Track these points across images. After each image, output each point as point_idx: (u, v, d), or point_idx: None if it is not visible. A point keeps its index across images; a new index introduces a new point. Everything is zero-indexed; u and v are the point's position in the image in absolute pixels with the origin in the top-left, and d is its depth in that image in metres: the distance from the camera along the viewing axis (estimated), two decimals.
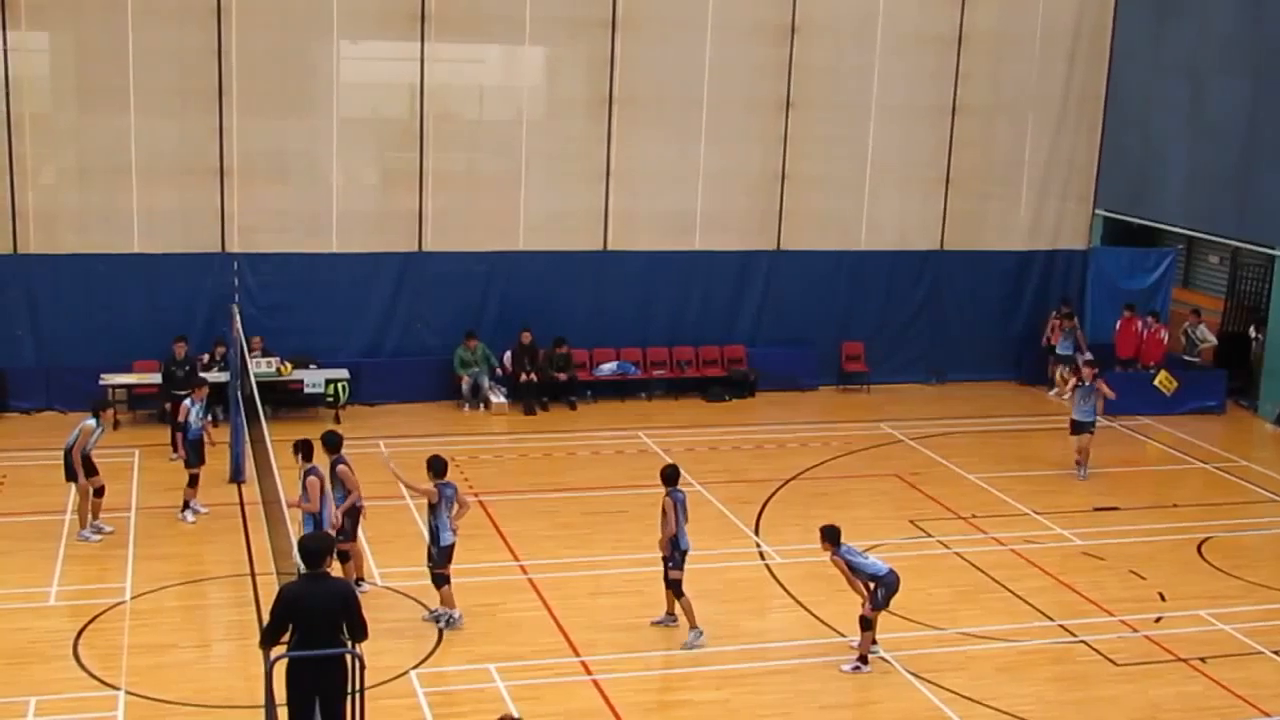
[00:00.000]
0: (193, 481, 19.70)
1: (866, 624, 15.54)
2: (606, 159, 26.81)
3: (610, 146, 26.78)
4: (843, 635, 16.25)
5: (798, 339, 28.13)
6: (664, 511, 16.02)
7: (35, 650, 15.49)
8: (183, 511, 19.59)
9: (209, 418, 20.50)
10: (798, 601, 17.47)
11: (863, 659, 15.60)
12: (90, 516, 18.98)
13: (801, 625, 16.84)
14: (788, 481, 22.31)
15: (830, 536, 15.58)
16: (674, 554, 16.06)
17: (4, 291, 24.64)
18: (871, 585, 15.49)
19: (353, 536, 16.93)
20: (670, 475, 16.26)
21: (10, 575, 17.61)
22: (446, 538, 16.23)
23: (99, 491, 18.96)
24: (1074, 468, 22.89)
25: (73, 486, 19.10)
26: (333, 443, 16.72)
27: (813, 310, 28.12)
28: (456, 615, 16.36)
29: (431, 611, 16.53)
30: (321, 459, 16.67)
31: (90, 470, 18.88)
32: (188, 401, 19.91)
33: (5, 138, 24.36)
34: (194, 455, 19.72)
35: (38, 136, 24.74)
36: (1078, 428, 22.86)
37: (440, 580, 16.31)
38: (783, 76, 27.26)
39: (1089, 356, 25.50)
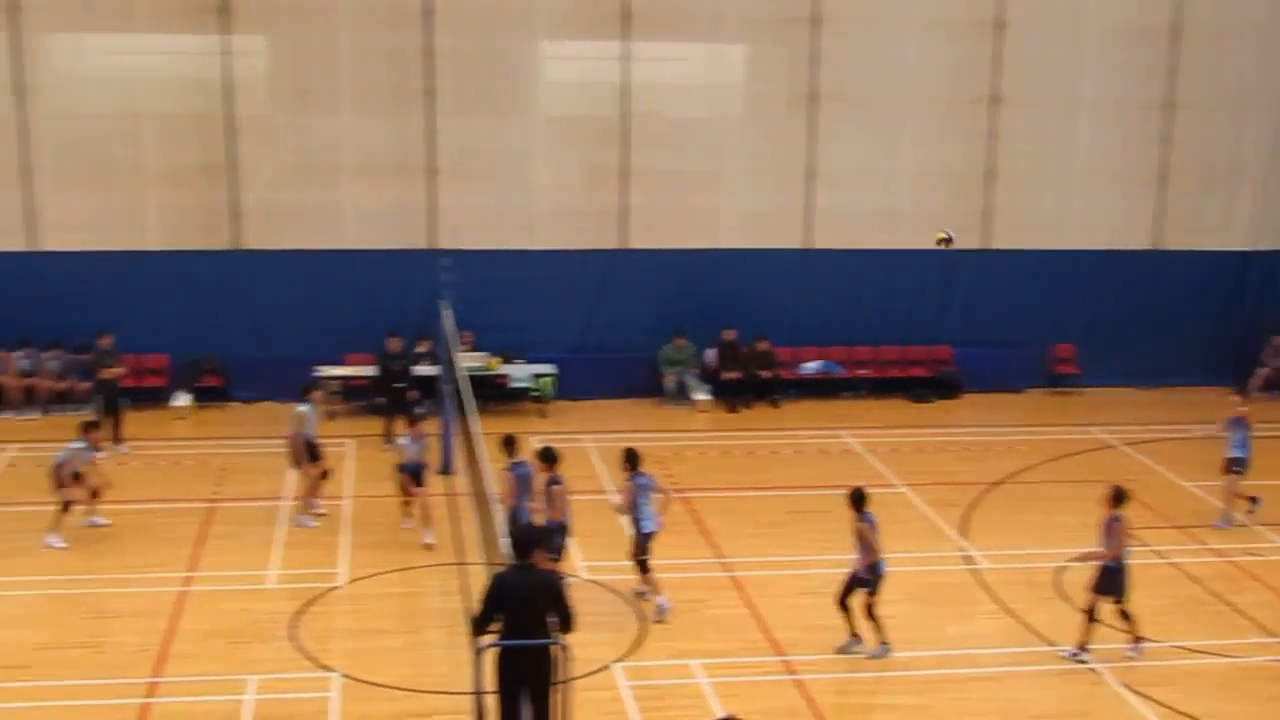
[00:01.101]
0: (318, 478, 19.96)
1: None
2: (808, 156, 26.68)
3: (811, 144, 26.63)
4: (1053, 644, 15.89)
5: (1005, 340, 27.61)
6: (860, 537, 15.30)
7: (255, 630, 16.00)
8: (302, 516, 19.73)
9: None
10: (1005, 608, 17.12)
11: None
12: (309, 499, 19.57)
13: (1009, 632, 16.47)
14: (995, 485, 21.92)
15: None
16: (870, 579, 15.37)
17: (226, 286, 25.54)
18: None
19: (559, 556, 16.40)
20: (859, 498, 15.49)
21: (232, 558, 18.26)
22: (646, 525, 16.52)
23: (324, 475, 19.58)
24: None
25: (295, 473, 19.73)
26: (550, 458, 16.48)
27: (1020, 310, 27.59)
28: (664, 603, 16.47)
29: (640, 593, 16.78)
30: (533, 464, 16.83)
31: (314, 455, 19.46)
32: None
33: (227, 139, 25.26)
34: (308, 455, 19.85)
35: (256, 137, 25.61)
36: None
37: (642, 567, 16.61)
38: (987, 72, 26.82)
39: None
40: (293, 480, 20.42)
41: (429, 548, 18.42)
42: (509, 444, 17.04)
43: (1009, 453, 23.68)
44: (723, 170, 26.72)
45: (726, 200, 26.80)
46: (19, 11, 24.62)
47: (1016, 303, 27.57)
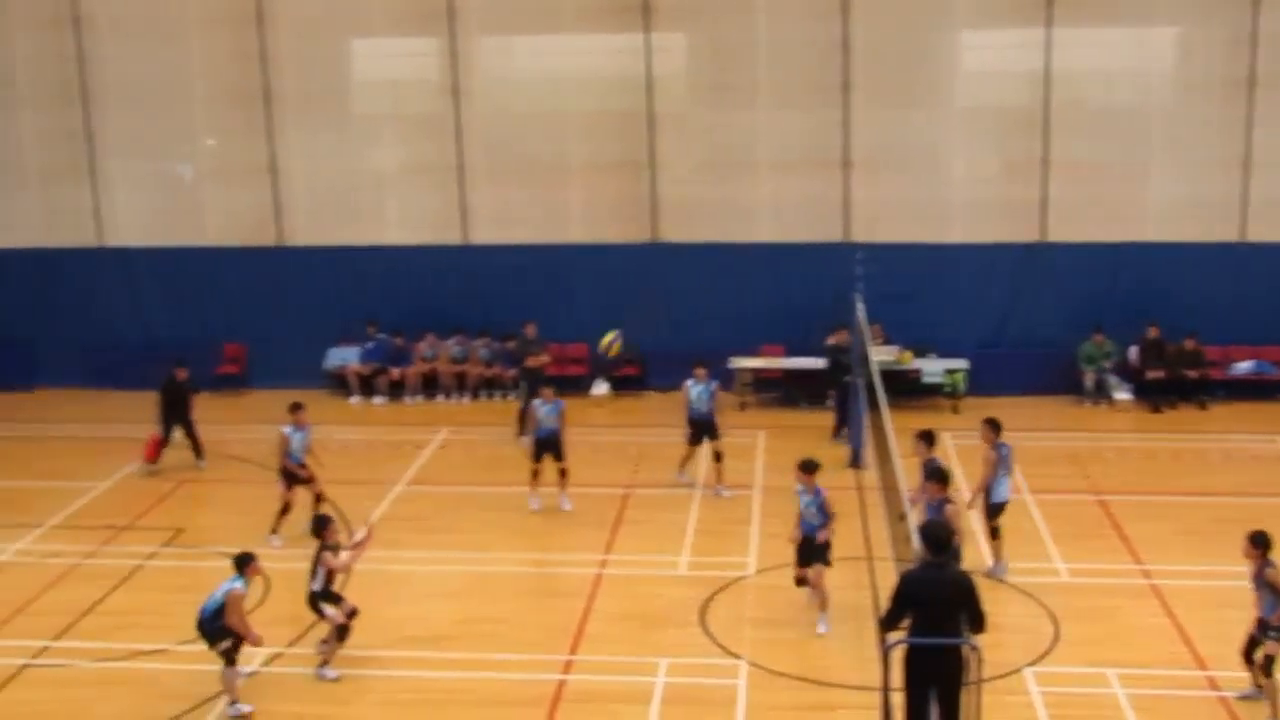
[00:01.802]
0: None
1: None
2: (1245, 144, 25.26)
3: (1248, 131, 25.20)
4: None
5: None
6: (1272, 584, 13.62)
7: (667, 615, 16.36)
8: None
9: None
10: None
11: None
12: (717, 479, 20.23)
13: None
14: None
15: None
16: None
17: (644, 278, 26.25)
18: None
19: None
20: (1262, 541, 13.70)
21: (646, 543, 18.75)
22: (999, 494, 17.06)
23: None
24: None
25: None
26: (940, 477, 15.65)
27: None
28: (999, 568, 16.90)
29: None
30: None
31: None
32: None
33: (649, 133, 25.96)
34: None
35: (674, 132, 26.21)
36: None
37: (993, 532, 16.98)
38: None
39: None
40: (706, 465, 20.80)
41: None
42: (927, 438, 16.78)
43: None
44: (1149, 160, 25.61)
45: (1153, 191, 25.66)
46: (455, 17, 25.98)
47: None
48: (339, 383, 26.63)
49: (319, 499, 19.02)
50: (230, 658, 14.19)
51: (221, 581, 14.33)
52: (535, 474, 20.00)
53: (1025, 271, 25.86)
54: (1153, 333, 25.11)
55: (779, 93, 25.81)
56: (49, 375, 27.32)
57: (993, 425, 17.25)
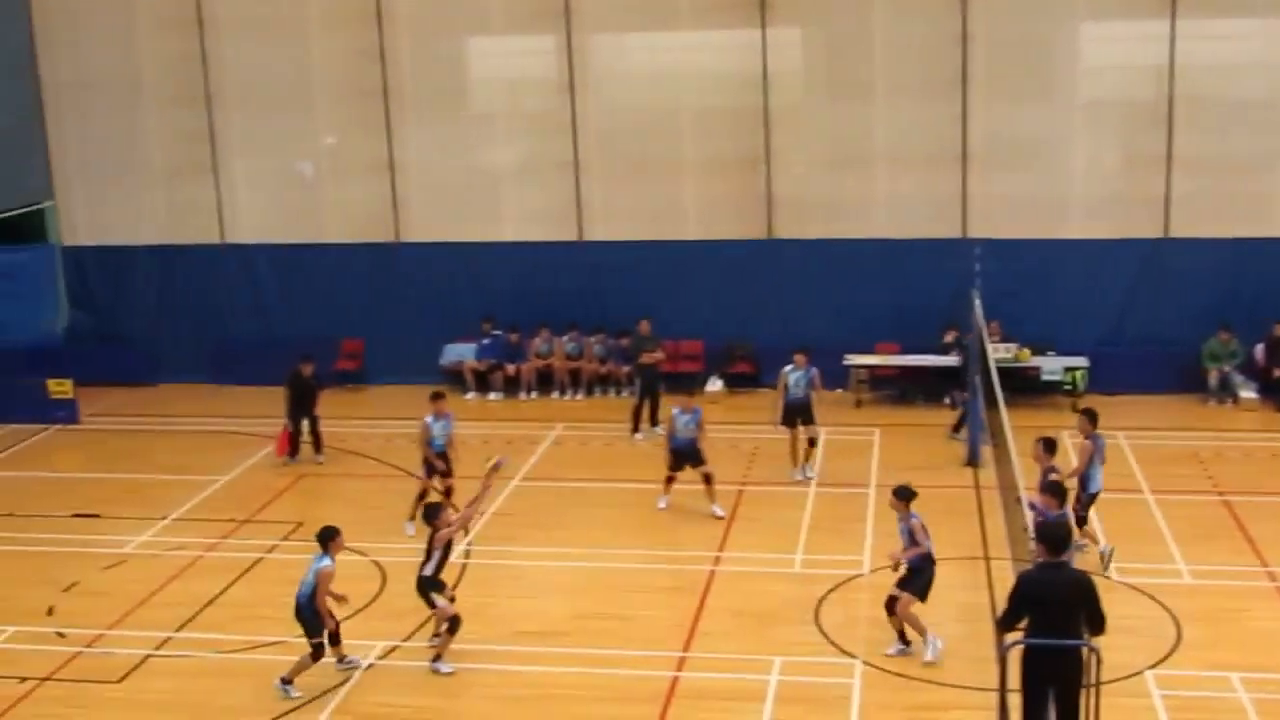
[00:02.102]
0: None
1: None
2: None
3: None
4: None
5: None
6: None
7: (782, 613, 16.33)
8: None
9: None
10: None
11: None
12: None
13: None
14: None
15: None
16: None
17: (758, 274, 26.21)
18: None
19: None
20: None
21: (760, 540, 18.72)
22: (1093, 485, 17.25)
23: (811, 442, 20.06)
24: None
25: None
26: (1056, 491, 15.42)
27: None
28: (1106, 549, 17.07)
29: (1080, 545, 16.71)
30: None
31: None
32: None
33: (764, 129, 25.88)
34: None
35: (791, 127, 26.07)
36: None
37: (1080, 521, 16.91)
38: None
39: None
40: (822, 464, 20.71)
41: None
42: (1049, 446, 16.59)
43: None
44: (1275, 154, 25.00)
45: (1279, 186, 25.09)
46: (571, 15, 26.09)
47: None
48: (455, 379, 26.85)
49: (448, 493, 19.20)
50: (318, 654, 14.43)
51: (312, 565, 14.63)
52: (670, 480, 19.96)
53: (1147, 268, 25.39)
54: (1279, 330, 24.54)
55: (896, 87, 25.57)
56: (172, 371, 27.83)
57: (1089, 416, 17.52)
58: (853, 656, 15.10)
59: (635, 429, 23.50)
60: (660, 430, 23.58)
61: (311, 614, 14.52)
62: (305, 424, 22.73)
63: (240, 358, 27.26)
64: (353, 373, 27.42)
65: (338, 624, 14.96)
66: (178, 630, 16.30)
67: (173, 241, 27.98)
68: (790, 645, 15.46)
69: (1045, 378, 24.52)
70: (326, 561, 14.55)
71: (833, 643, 15.49)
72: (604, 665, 15.11)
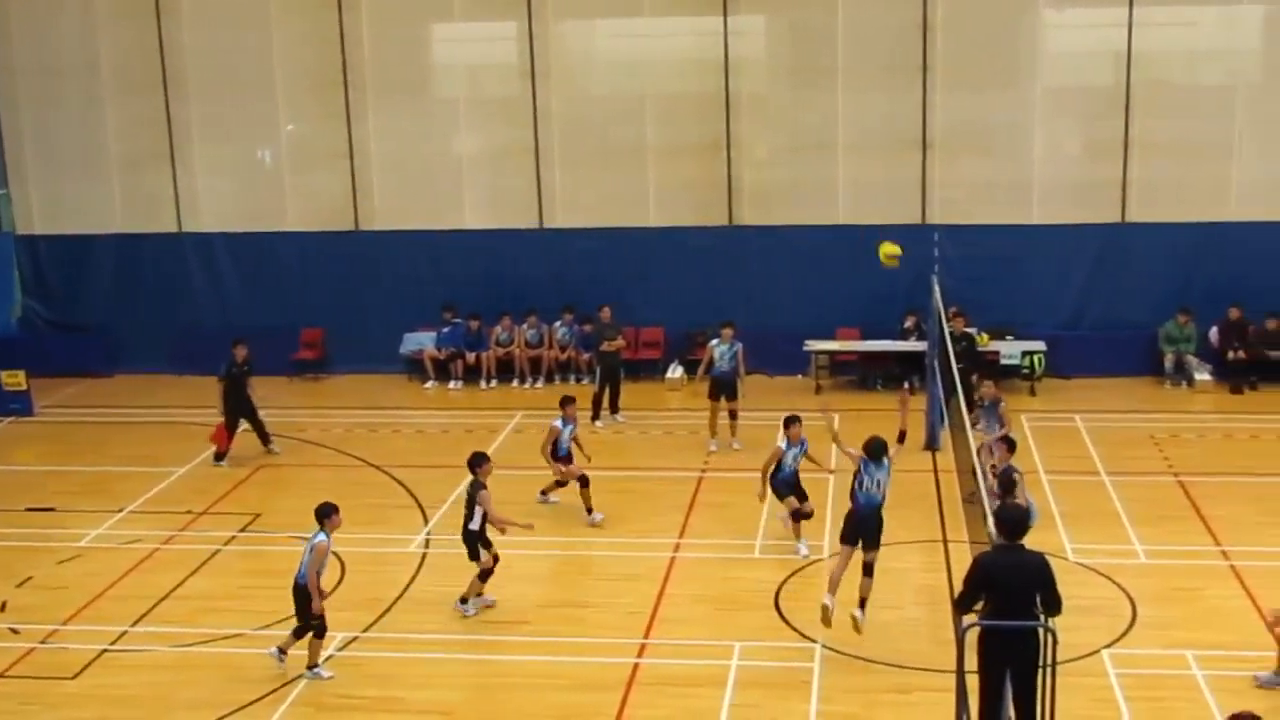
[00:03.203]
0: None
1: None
2: None
3: None
4: None
5: None
6: None
7: (742, 599, 16.36)
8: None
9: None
10: None
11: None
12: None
13: None
14: None
15: None
16: None
17: (721, 262, 26.25)
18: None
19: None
20: None
21: (721, 527, 18.76)
22: None
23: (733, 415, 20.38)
24: None
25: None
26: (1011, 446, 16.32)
27: None
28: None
29: None
30: None
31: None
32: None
33: (726, 116, 25.89)
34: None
35: (753, 114, 26.13)
36: None
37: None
38: None
39: None
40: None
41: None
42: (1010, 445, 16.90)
43: None
44: (1232, 139, 25.19)
45: (1236, 171, 25.25)
46: (533, 1, 26.01)
47: None
48: (415, 367, 26.80)
49: (573, 484, 19.12)
50: (321, 631, 14.47)
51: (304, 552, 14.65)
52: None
53: (1107, 252, 25.54)
54: (1234, 314, 24.74)
55: (858, 75, 25.63)
56: (130, 361, 27.66)
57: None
58: (813, 641, 15.12)
59: (595, 416, 23.48)
60: (621, 419, 23.63)
61: (308, 598, 14.44)
62: (243, 416, 22.07)
63: (199, 348, 26.89)
64: (313, 362, 27.31)
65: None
66: (134, 624, 16.15)
67: (130, 230, 27.81)
68: (751, 630, 15.49)
69: (1004, 361, 24.64)
70: (322, 537, 14.54)
71: (793, 627, 15.52)
72: (566, 653, 15.10)
